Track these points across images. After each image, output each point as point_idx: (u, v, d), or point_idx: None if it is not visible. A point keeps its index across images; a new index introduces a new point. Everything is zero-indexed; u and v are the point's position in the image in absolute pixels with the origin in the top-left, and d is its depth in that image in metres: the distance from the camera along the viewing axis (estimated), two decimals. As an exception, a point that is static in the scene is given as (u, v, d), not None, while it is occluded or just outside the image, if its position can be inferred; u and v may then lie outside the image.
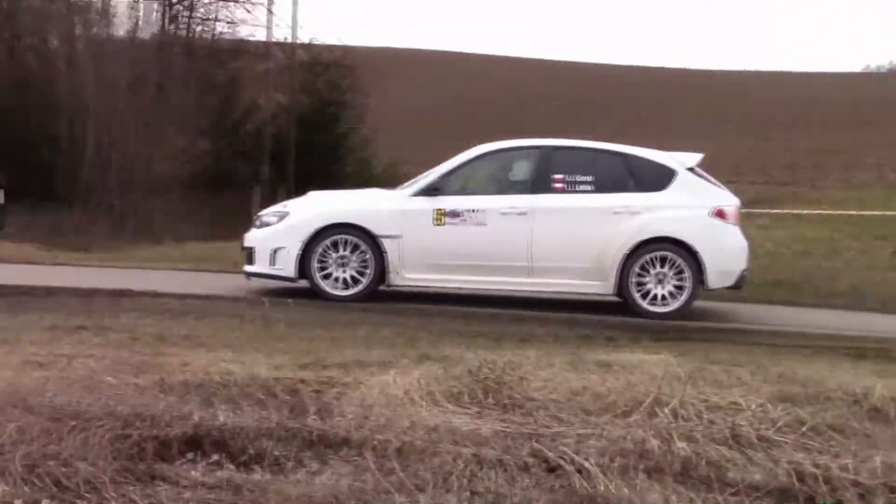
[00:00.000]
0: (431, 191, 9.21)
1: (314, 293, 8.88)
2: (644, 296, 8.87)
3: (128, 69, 24.78)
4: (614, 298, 9.09)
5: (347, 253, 9.03)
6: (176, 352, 5.22)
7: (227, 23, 29.47)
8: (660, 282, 8.88)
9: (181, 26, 29.16)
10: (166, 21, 28.13)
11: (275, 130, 28.97)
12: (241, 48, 29.68)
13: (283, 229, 9.26)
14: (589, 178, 9.15)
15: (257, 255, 9.30)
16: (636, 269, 8.85)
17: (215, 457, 3.27)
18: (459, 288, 9.36)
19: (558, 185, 9.13)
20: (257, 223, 9.61)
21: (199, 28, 29.79)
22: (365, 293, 8.95)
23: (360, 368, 4.73)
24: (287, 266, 9.08)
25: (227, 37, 29.92)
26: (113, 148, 24.56)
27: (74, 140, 24.66)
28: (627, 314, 8.68)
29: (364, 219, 9.13)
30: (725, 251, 9.01)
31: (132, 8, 27.59)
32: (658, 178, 9.19)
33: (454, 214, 9.10)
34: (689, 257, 8.85)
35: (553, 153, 9.41)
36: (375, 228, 9.05)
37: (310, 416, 3.73)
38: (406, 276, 9.11)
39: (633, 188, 9.18)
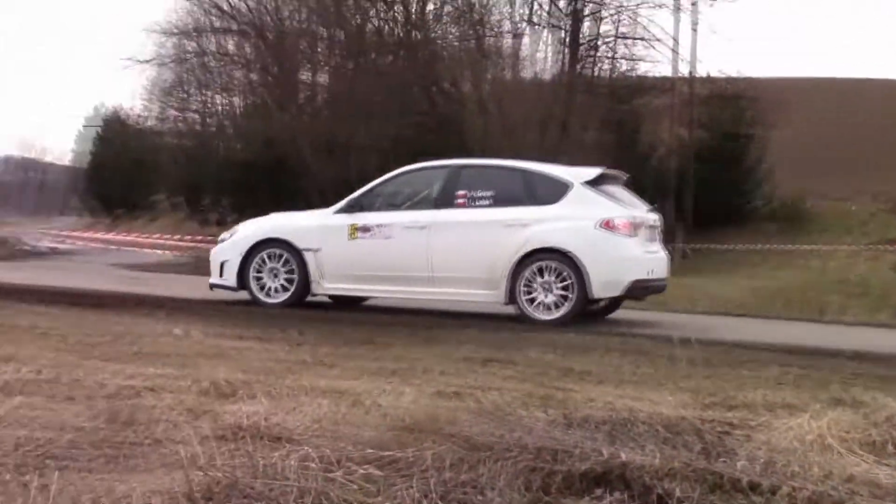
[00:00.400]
0: (350, 208, 10.27)
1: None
2: (532, 303, 9.36)
3: (534, 109, 25.89)
4: (507, 307, 9.57)
5: (277, 265, 10.26)
6: (580, 387, 5.37)
7: (628, 60, 29.83)
8: (546, 290, 9.36)
9: (584, 66, 29.97)
10: (566, 61, 29.06)
11: (675, 165, 28.80)
12: (644, 84, 29.88)
13: (228, 245, 10.64)
14: (489, 194, 9.82)
15: (212, 268, 10.73)
16: (524, 278, 9.37)
17: (618, 495, 3.28)
18: (372, 297, 10.36)
19: (460, 201, 9.88)
20: (219, 240, 10.99)
21: (601, 66, 30.45)
22: (291, 301, 10.08)
23: (767, 410, 4.58)
24: (230, 277, 10.42)
25: (629, 73, 30.26)
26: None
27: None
28: None
29: (289, 234, 10.33)
30: (610, 261, 9.30)
31: (539, 50, 28.88)
32: (552, 192, 9.68)
33: (365, 229, 10.07)
34: (573, 267, 9.25)
35: (460, 171, 10.24)
36: (298, 242, 10.21)
37: (716, 458, 3.67)
38: (325, 285, 10.21)
39: (528, 202, 9.70)
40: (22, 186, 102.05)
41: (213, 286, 10.68)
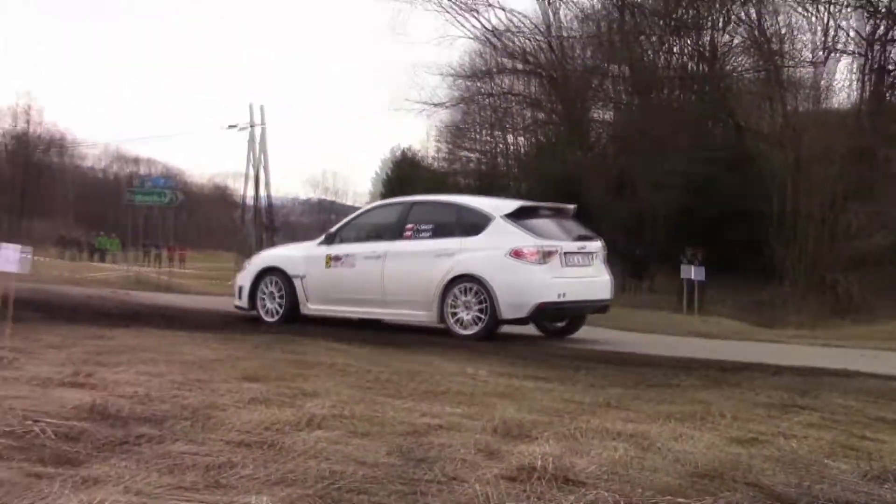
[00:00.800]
0: (329, 240, 12.00)
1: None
2: (457, 322, 10.80)
3: (836, 141, 24.65)
4: (440, 325, 10.96)
5: (274, 290, 12.09)
6: (893, 437, 5.04)
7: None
8: (467, 309, 10.77)
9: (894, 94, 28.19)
10: (870, 89, 27.43)
11: None
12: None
13: (245, 273, 12.62)
14: (430, 226, 11.32)
15: (234, 292, 12.74)
16: (450, 300, 10.82)
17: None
18: (345, 316, 11.67)
19: (408, 233, 11.39)
20: (241, 268, 13.20)
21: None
22: (282, 321, 11.73)
23: None
24: (244, 300, 12.34)
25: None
26: (825, 220, 24.54)
27: (782, 215, 25.17)
28: None
29: (283, 263, 12.21)
30: (516, 286, 10.56)
31: (838, 79, 27.51)
32: (477, 224, 11.06)
33: (337, 258, 11.75)
34: (486, 291, 10.62)
35: (411, 207, 11.71)
36: (289, 270, 12.01)
37: None
38: (310, 307, 11.89)
39: (458, 233, 11.12)
40: (322, 228, 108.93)
41: (235, 307, 12.56)
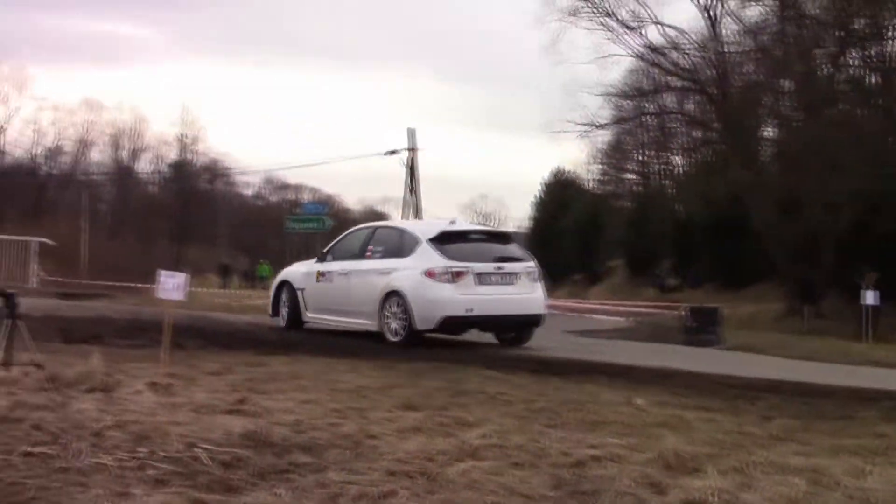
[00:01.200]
0: (322, 257, 14.20)
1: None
2: (390, 331, 12.53)
3: None
4: (378, 331, 12.67)
5: (286, 299, 14.35)
6: None
7: None
8: (396, 320, 12.46)
9: None
10: None
11: None
12: None
13: (273, 285, 15.28)
14: (381, 248, 13.27)
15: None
16: (386, 311, 12.58)
17: None
18: (329, 324, 13.71)
19: (368, 254, 13.40)
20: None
21: None
22: (288, 326, 14.15)
23: None
24: (270, 309, 14.98)
25: None
26: None
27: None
28: None
29: (291, 277, 14.52)
30: (426, 301, 12.22)
31: None
32: (410, 247, 12.81)
33: (322, 274, 13.87)
34: (406, 304, 12.33)
35: (374, 231, 13.98)
36: (295, 283, 14.29)
37: None
38: (308, 315, 14.06)
39: (397, 254, 12.92)
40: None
41: (270, 315, 14.97)
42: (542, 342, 13.21)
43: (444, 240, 12.73)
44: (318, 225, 34.14)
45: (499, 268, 12.59)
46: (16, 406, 5.56)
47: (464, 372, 9.00)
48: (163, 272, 7.78)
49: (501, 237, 14.13)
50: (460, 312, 12.29)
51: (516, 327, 13.17)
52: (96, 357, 7.38)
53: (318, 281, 13.92)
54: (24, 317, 6.45)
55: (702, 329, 17.15)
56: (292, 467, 4.41)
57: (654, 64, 32.98)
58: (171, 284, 7.65)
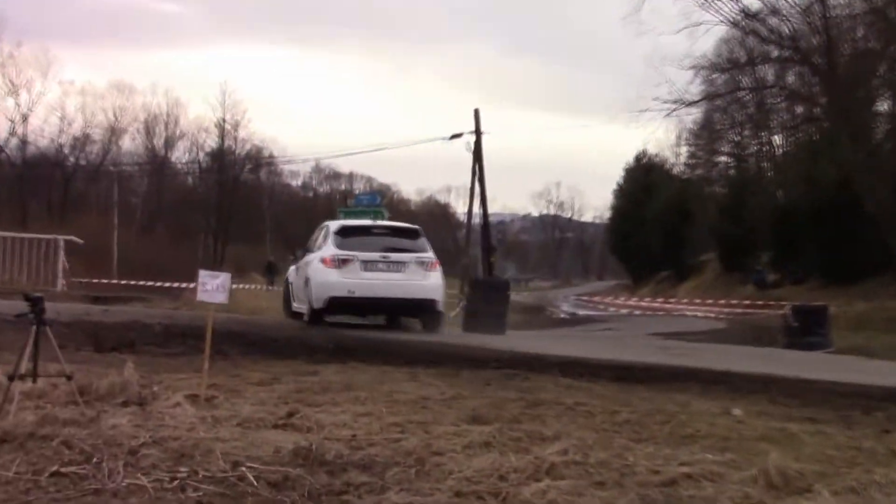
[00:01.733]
0: (303, 254, 17.52)
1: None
2: (305, 312, 16.27)
3: None
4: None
5: (286, 293, 18.49)
6: None
7: None
8: (307, 302, 16.12)
9: None
10: None
11: None
12: None
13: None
14: (319, 241, 16.85)
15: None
16: (304, 296, 16.28)
17: None
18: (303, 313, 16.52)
19: (316, 248, 16.70)
20: None
21: None
22: (287, 314, 18.00)
23: None
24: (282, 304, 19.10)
25: None
26: None
27: None
28: None
29: (289, 273, 18.52)
30: (318, 284, 15.74)
31: None
32: (325, 240, 16.43)
33: (297, 268, 17.62)
34: (310, 287, 16.02)
35: (325, 227, 17.28)
36: (289, 278, 18.26)
37: None
38: (294, 305, 17.29)
39: (320, 247, 16.47)
40: (555, 247, 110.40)
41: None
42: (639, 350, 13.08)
43: (344, 233, 16.37)
44: (374, 217, 34.12)
45: (384, 256, 15.82)
46: (44, 421, 5.63)
47: (537, 379, 8.98)
48: (203, 272, 7.85)
49: (406, 232, 17.19)
50: (343, 293, 15.51)
51: (406, 311, 16.63)
52: (130, 367, 7.46)
53: (297, 274, 17.53)
54: (52, 323, 6.53)
55: (807, 330, 16.98)
56: (348, 488, 4.44)
57: (750, 32, 32.45)
58: (213, 285, 7.71)
